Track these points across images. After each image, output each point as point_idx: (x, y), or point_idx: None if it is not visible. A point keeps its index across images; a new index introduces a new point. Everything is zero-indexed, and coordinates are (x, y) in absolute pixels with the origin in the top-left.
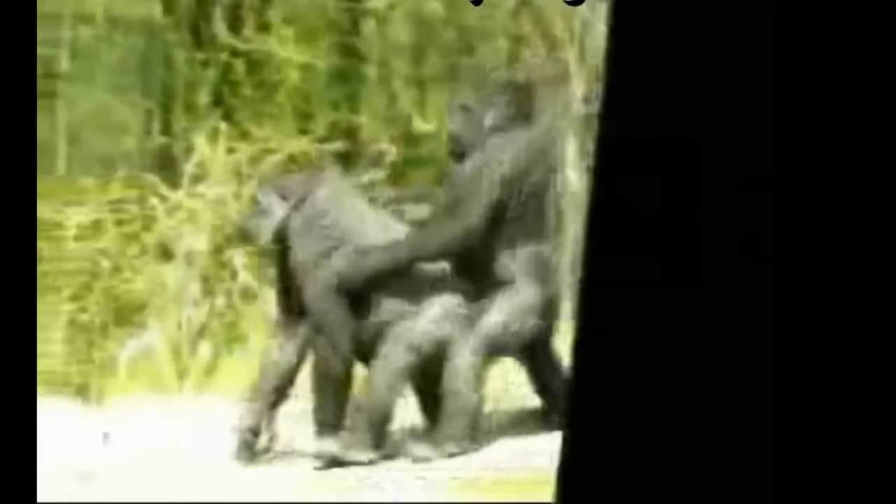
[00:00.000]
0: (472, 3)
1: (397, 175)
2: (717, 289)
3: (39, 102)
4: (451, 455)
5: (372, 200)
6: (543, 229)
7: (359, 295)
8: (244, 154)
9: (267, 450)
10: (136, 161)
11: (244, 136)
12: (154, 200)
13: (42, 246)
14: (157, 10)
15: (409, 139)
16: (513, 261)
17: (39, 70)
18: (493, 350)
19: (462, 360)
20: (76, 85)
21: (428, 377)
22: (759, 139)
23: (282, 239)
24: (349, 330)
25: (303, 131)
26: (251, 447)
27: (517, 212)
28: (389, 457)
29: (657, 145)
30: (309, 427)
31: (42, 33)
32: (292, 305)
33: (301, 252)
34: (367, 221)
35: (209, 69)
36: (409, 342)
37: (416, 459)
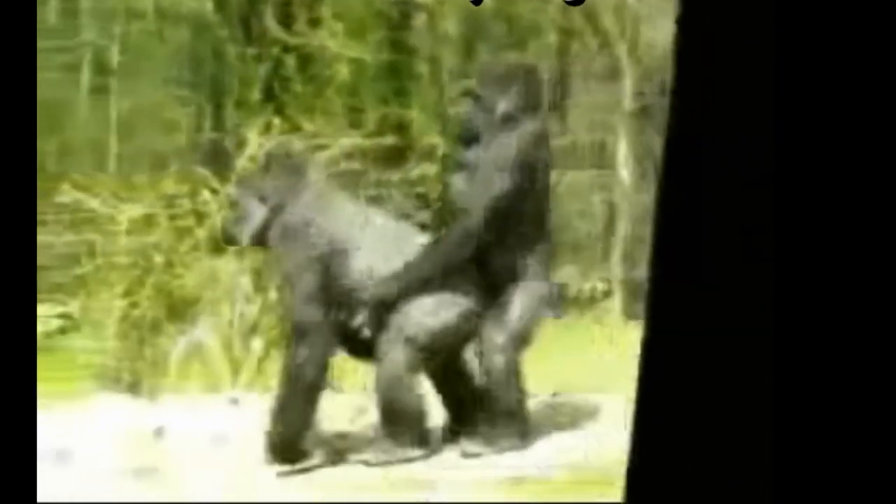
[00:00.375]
0: (473, 3)
1: (448, 168)
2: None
3: (92, 97)
4: (503, 451)
5: (420, 197)
6: (546, 225)
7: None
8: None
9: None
10: (187, 156)
11: (295, 130)
12: (206, 195)
13: (95, 240)
14: (208, 6)
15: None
16: (522, 255)
17: (92, 65)
18: (520, 344)
19: (496, 356)
20: (127, 80)
21: (446, 373)
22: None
23: (262, 242)
24: (331, 338)
25: (353, 126)
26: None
27: (525, 206)
28: (436, 452)
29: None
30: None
31: (94, 28)
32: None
33: (284, 259)
34: (356, 225)
35: (260, 64)
36: (406, 335)
37: (466, 455)
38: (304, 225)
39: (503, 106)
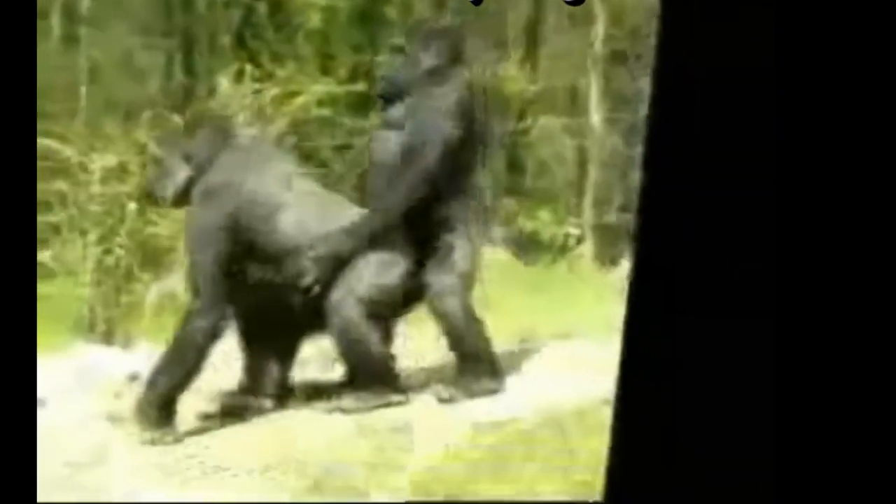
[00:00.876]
0: (473, 2)
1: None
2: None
3: (62, 46)
4: (475, 395)
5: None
6: (477, 179)
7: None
8: (268, 95)
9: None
10: (159, 103)
11: (267, 77)
12: None
13: (68, 189)
14: None
15: None
16: (459, 204)
17: (61, 13)
18: (469, 284)
19: (448, 299)
20: (97, 27)
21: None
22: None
23: (185, 201)
24: (228, 307)
25: (325, 72)
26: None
27: (461, 160)
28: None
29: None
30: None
31: None
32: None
33: (200, 217)
34: (283, 186)
35: (231, 11)
36: (357, 294)
37: (441, 400)
38: (225, 185)
39: (428, 62)
